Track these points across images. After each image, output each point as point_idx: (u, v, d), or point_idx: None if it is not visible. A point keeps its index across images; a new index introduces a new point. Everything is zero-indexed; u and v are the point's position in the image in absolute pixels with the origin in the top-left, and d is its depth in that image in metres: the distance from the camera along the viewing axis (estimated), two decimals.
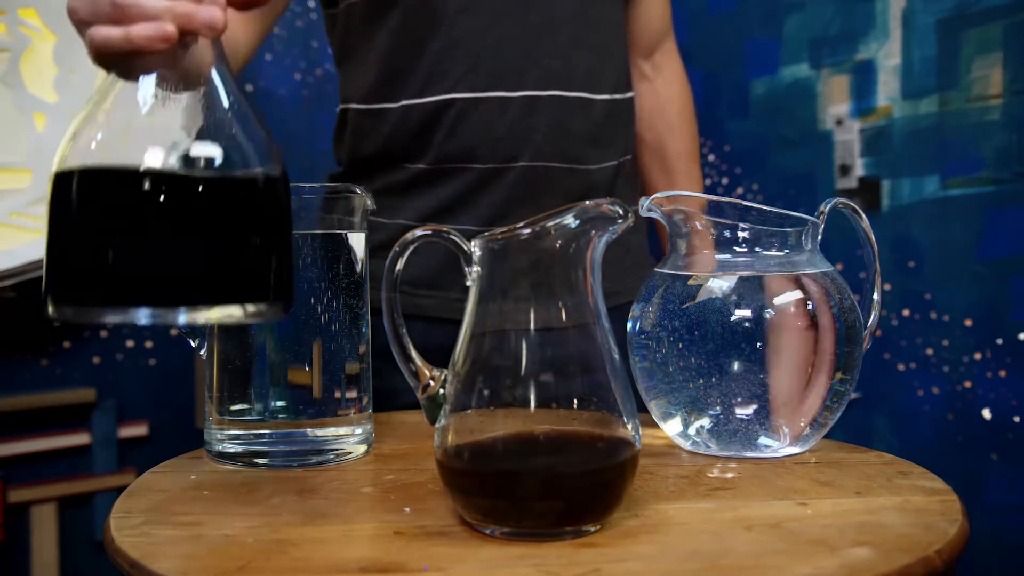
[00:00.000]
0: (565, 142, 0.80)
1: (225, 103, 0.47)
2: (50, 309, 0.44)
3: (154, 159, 0.43)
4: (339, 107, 0.89)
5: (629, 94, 0.88)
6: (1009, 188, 1.04)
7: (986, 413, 1.07)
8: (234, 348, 0.58)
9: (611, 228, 0.45)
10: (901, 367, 1.14)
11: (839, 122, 1.20)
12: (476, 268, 0.47)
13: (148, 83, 0.45)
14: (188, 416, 1.58)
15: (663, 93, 0.98)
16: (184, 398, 1.57)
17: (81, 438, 1.46)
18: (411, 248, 0.52)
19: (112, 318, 0.43)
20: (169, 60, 0.45)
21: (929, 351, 1.11)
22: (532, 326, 0.44)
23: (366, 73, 0.83)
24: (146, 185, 0.43)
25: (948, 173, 1.09)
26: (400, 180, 0.83)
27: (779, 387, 0.56)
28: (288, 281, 0.48)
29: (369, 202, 0.61)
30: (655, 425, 0.61)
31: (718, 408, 0.56)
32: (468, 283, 0.47)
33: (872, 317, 0.63)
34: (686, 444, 0.60)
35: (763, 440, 0.57)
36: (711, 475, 0.54)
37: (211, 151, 0.44)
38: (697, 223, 0.59)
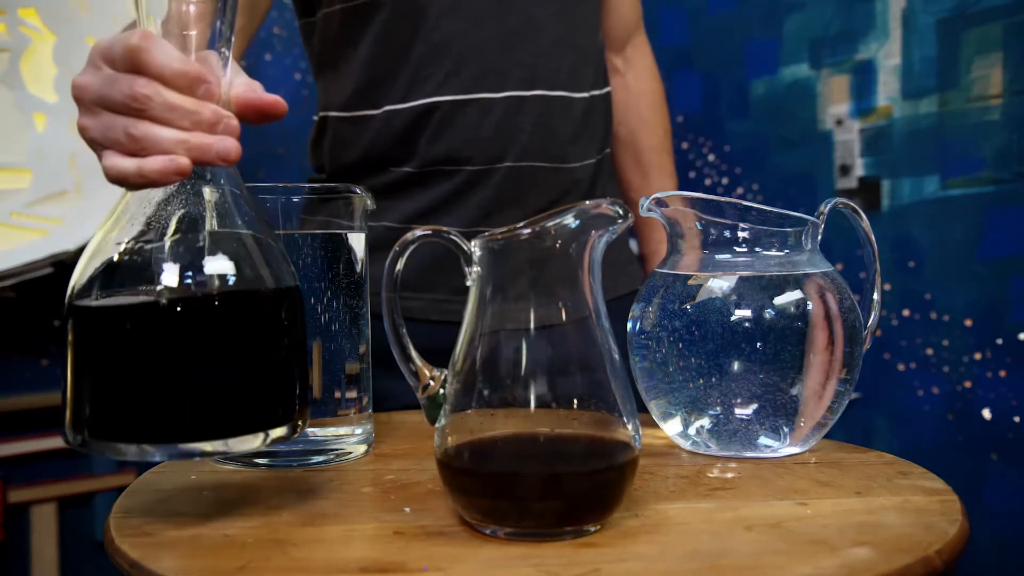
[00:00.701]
0: (549, 141, 0.81)
1: (238, 218, 0.46)
2: (68, 435, 0.44)
3: (167, 293, 0.42)
4: (317, 115, 0.88)
5: (606, 89, 0.89)
6: (1009, 188, 1.04)
7: (986, 413, 1.07)
8: None
9: (611, 228, 0.45)
10: (901, 367, 1.14)
11: (839, 122, 1.21)
12: (476, 268, 0.47)
13: (159, 203, 0.45)
14: None
15: (634, 87, 0.98)
16: None
17: None
18: (411, 248, 0.52)
19: (129, 455, 0.42)
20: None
21: (929, 351, 1.11)
22: (532, 326, 0.44)
23: (346, 81, 0.83)
24: (160, 321, 0.42)
25: (948, 173, 1.10)
26: (384, 183, 0.82)
27: (785, 388, 0.56)
28: (305, 398, 0.47)
29: (369, 202, 0.61)
30: (655, 425, 0.61)
31: (718, 408, 0.56)
32: (468, 283, 0.47)
33: (872, 317, 0.63)
34: (686, 444, 0.60)
35: (763, 440, 0.57)
36: (711, 475, 0.54)
37: (228, 277, 0.44)
38: (697, 223, 0.59)
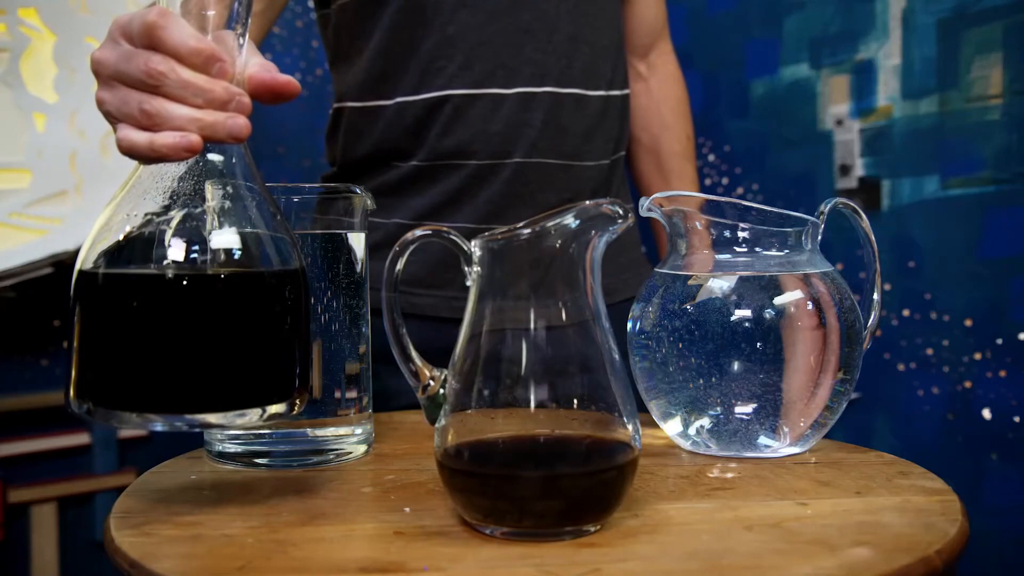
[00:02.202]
0: (560, 138, 0.81)
1: (248, 198, 0.47)
2: (73, 404, 0.44)
3: (174, 267, 0.43)
4: (333, 107, 0.89)
5: (624, 91, 0.89)
6: (1009, 188, 1.04)
7: (986, 413, 1.07)
8: None
9: (611, 228, 0.45)
10: (901, 367, 1.14)
11: (839, 122, 1.21)
12: (476, 268, 0.47)
13: (171, 178, 0.46)
14: None
15: (657, 93, 0.98)
16: None
17: (81, 438, 1.46)
18: (411, 248, 0.52)
19: (130, 424, 0.43)
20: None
21: (929, 351, 1.11)
22: (532, 326, 0.44)
23: (360, 70, 0.84)
24: (166, 294, 0.43)
25: (948, 173, 1.09)
26: (394, 178, 0.82)
27: (785, 387, 0.56)
28: (306, 378, 0.48)
29: (369, 202, 0.61)
30: (655, 425, 0.61)
31: (718, 408, 0.56)
32: (468, 283, 0.47)
33: (872, 317, 0.63)
34: (686, 444, 0.60)
35: (763, 440, 0.57)
36: (711, 475, 0.54)
37: (234, 254, 0.45)
38: (697, 223, 0.59)
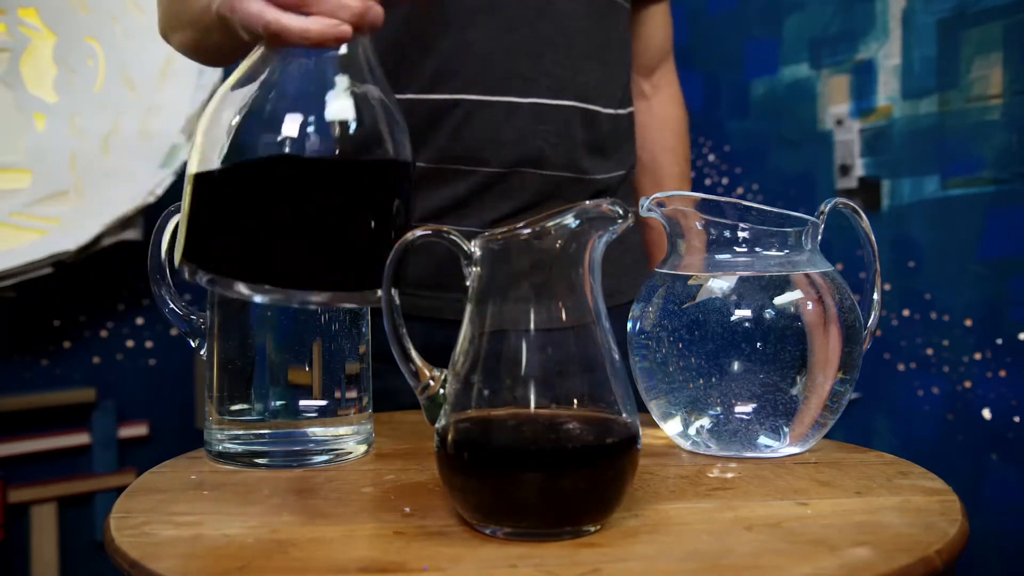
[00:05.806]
0: (571, 152, 0.80)
1: (373, 89, 0.50)
2: (186, 272, 0.48)
3: (301, 145, 0.46)
4: None
5: (630, 109, 0.89)
6: (1009, 188, 1.04)
7: (986, 413, 1.07)
8: (234, 348, 0.58)
9: (611, 228, 0.45)
10: (901, 367, 1.14)
11: (839, 122, 1.21)
12: (476, 268, 0.47)
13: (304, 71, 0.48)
14: (188, 416, 1.58)
15: (659, 113, 0.99)
16: (184, 398, 1.57)
17: (81, 438, 1.47)
18: (411, 248, 0.52)
19: (244, 294, 0.47)
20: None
21: (929, 351, 1.11)
22: (532, 326, 0.44)
23: None
24: (286, 177, 0.46)
25: (948, 173, 1.10)
26: None
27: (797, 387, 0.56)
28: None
29: None
30: (655, 425, 0.61)
31: (718, 408, 0.56)
32: (468, 283, 0.47)
33: (872, 317, 0.63)
34: (686, 444, 0.60)
35: (763, 440, 0.57)
36: (711, 475, 0.54)
37: (353, 144, 0.48)
38: (697, 223, 0.59)
